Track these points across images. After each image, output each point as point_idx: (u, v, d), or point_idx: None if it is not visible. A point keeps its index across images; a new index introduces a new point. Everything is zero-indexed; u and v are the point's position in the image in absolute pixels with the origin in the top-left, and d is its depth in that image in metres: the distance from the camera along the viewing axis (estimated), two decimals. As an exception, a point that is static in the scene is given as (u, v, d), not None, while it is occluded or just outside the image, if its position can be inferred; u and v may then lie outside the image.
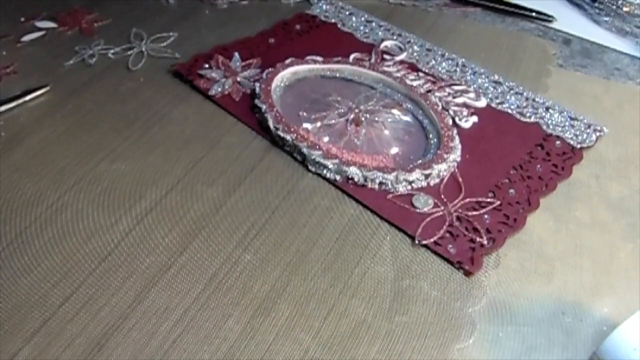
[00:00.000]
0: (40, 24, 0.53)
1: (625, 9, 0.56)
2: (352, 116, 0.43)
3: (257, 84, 0.45)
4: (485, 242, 0.35)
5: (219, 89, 0.45)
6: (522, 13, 0.57)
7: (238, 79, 0.46)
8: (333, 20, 0.55)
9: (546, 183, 0.39)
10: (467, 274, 0.33)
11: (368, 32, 0.54)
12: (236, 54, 0.48)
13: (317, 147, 0.40)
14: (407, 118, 0.44)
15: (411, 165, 0.39)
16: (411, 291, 0.32)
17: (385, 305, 0.32)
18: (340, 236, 0.35)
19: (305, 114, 0.43)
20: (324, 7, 0.57)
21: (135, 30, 0.52)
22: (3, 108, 0.43)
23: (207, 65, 0.47)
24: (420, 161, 0.40)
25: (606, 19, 0.56)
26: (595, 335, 0.30)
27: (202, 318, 0.31)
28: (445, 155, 0.40)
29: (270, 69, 0.47)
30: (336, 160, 0.39)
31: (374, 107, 0.45)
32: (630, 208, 0.38)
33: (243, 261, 0.34)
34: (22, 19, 0.53)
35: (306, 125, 0.42)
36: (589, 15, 0.58)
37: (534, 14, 0.57)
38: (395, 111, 0.45)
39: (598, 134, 0.44)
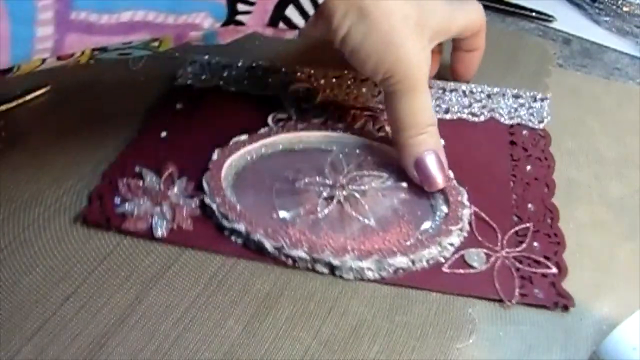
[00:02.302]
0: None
1: (625, 8, 0.56)
2: (344, 193, 0.36)
3: (209, 200, 0.35)
4: (555, 270, 0.33)
5: (163, 225, 0.34)
6: (522, 13, 0.57)
7: (173, 201, 0.35)
8: (212, 83, 0.45)
9: (546, 182, 0.38)
10: (566, 308, 0.31)
11: (257, 83, 0.45)
12: (141, 168, 0.37)
13: (340, 249, 0.33)
14: (388, 172, 0.38)
15: (445, 226, 0.34)
16: (411, 291, 0.32)
17: (385, 304, 0.32)
18: (340, 236, 0.35)
19: (286, 213, 0.35)
20: (189, 69, 0.46)
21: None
22: (3, 108, 0.43)
23: (118, 200, 0.35)
24: (441, 217, 0.35)
25: (606, 18, 0.56)
26: (595, 335, 0.30)
27: (202, 317, 0.31)
28: (459, 198, 0.36)
29: (207, 174, 0.36)
30: (375, 256, 0.32)
31: (351, 173, 0.37)
32: (630, 208, 0.38)
33: (244, 261, 0.34)
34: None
35: (297, 224, 0.34)
36: (589, 15, 0.58)
37: (534, 14, 0.57)
38: (373, 168, 0.38)
39: (546, 102, 0.43)
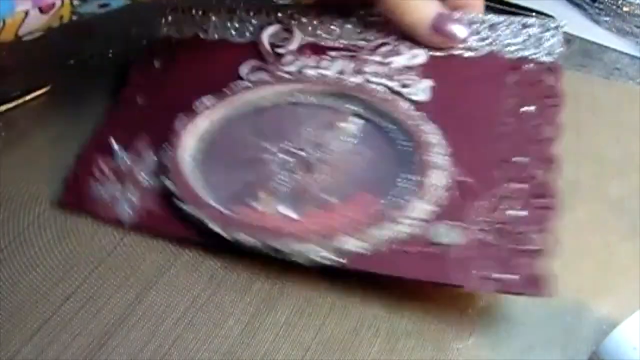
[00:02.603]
0: (41, 24, 0.53)
1: (625, 8, 0.56)
2: (296, 161, 0.33)
3: (167, 180, 0.33)
4: (539, 245, 0.28)
5: (129, 209, 0.33)
6: (522, 13, 0.57)
7: (139, 180, 0.34)
8: (191, 32, 0.42)
9: (549, 123, 0.33)
10: (542, 295, 0.28)
11: (239, 27, 0.41)
12: (114, 144, 0.36)
13: (298, 236, 0.30)
14: (358, 125, 0.35)
15: (406, 197, 0.30)
16: (411, 290, 0.32)
17: (385, 304, 0.31)
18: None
19: (241, 187, 0.33)
20: (169, 17, 0.44)
21: (134, 29, 0.52)
22: (3, 108, 0.43)
23: (92, 182, 0.35)
24: (405, 181, 0.31)
25: (606, 18, 0.56)
26: (595, 335, 0.30)
27: (202, 317, 0.31)
28: (429, 157, 0.31)
29: (168, 150, 0.34)
30: (335, 243, 0.29)
31: (317, 138, 0.34)
32: (630, 208, 0.38)
33: (244, 260, 0.34)
34: (22, 19, 0.53)
35: (253, 204, 0.32)
36: (589, 15, 0.58)
37: (534, 14, 0.57)
38: (341, 124, 0.35)
39: (560, 29, 0.38)
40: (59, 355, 0.29)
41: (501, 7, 0.58)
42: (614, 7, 0.56)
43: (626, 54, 0.53)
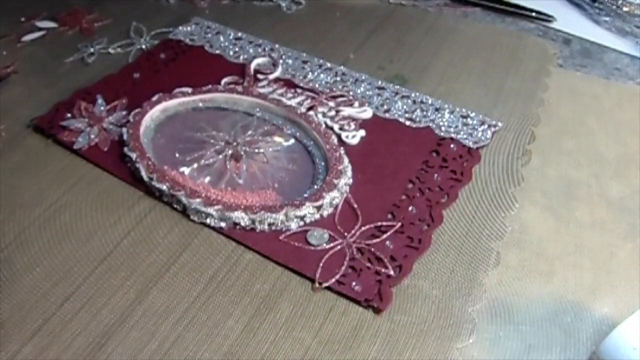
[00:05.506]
0: (41, 23, 0.53)
1: (625, 8, 0.56)
2: (230, 151, 0.39)
3: (125, 129, 0.40)
4: (391, 272, 0.32)
5: (84, 141, 0.40)
6: (522, 13, 0.58)
7: (104, 126, 0.41)
8: (200, 43, 0.50)
9: (447, 193, 0.37)
10: (377, 311, 0.31)
11: (238, 51, 0.49)
12: (99, 97, 0.43)
13: (197, 193, 0.36)
14: (290, 143, 0.41)
15: (300, 199, 0.36)
16: (411, 290, 0.32)
17: (385, 304, 0.32)
18: (340, 236, 0.35)
19: (180, 155, 0.39)
20: (188, 29, 0.52)
21: (135, 24, 0.52)
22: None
23: (69, 115, 0.42)
24: (309, 192, 0.37)
25: (606, 18, 0.57)
26: (595, 335, 0.30)
27: (202, 317, 0.31)
28: (335, 181, 0.37)
29: (137, 110, 0.42)
30: (219, 206, 0.35)
31: (253, 136, 0.41)
32: (630, 208, 0.38)
33: (243, 260, 0.34)
34: (23, 19, 0.53)
35: (183, 169, 0.38)
36: (589, 15, 0.58)
37: (534, 13, 0.57)
38: (276, 138, 0.40)
39: (493, 129, 0.42)
40: (59, 355, 0.29)
41: (501, 7, 0.58)
42: (614, 7, 0.57)
43: (626, 54, 0.53)
